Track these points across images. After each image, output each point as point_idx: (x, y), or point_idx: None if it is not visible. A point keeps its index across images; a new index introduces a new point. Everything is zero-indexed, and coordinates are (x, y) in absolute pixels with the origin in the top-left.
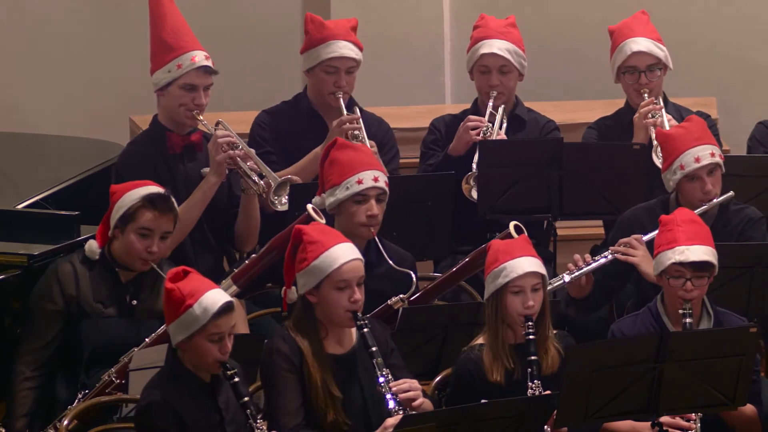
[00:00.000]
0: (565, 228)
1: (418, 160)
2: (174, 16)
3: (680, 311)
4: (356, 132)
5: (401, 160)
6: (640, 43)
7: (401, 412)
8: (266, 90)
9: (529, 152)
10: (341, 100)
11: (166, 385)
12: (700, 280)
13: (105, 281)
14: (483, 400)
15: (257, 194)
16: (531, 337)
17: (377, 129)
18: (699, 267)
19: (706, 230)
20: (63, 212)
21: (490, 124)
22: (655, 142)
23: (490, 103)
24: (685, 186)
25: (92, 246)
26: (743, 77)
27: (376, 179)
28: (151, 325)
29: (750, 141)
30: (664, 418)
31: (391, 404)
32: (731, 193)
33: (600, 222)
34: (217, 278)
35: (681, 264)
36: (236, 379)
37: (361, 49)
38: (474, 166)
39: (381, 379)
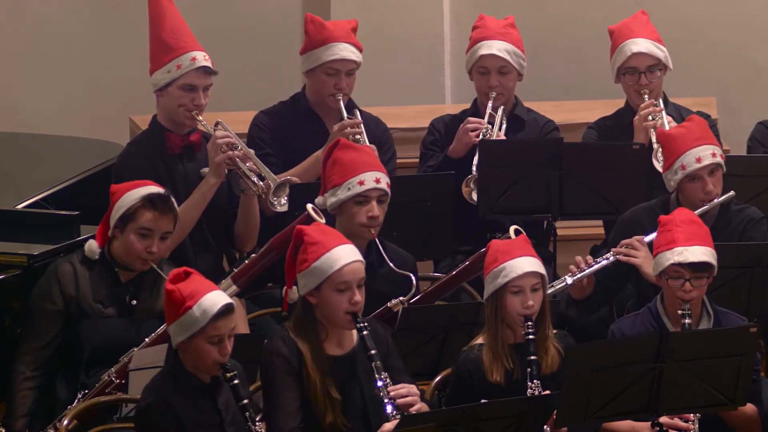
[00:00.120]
0: (565, 228)
1: (417, 160)
2: (173, 17)
3: (679, 311)
4: (357, 136)
5: (401, 160)
6: (640, 44)
7: (398, 417)
8: (266, 90)
9: (529, 152)
10: (341, 102)
11: (166, 386)
12: (699, 280)
13: (105, 281)
14: (483, 400)
15: (256, 195)
16: (531, 337)
17: (375, 129)
18: (698, 267)
19: (705, 230)
20: (63, 212)
21: (490, 126)
22: (655, 146)
23: (490, 104)
24: (687, 186)
25: (92, 246)
26: (743, 77)
27: (377, 180)
28: (150, 325)
29: (750, 141)
30: (664, 419)
31: (389, 409)
32: (732, 192)
33: (600, 222)
34: (217, 278)
35: (680, 265)
36: (236, 381)
37: (360, 50)
38: (474, 168)
39: (379, 383)
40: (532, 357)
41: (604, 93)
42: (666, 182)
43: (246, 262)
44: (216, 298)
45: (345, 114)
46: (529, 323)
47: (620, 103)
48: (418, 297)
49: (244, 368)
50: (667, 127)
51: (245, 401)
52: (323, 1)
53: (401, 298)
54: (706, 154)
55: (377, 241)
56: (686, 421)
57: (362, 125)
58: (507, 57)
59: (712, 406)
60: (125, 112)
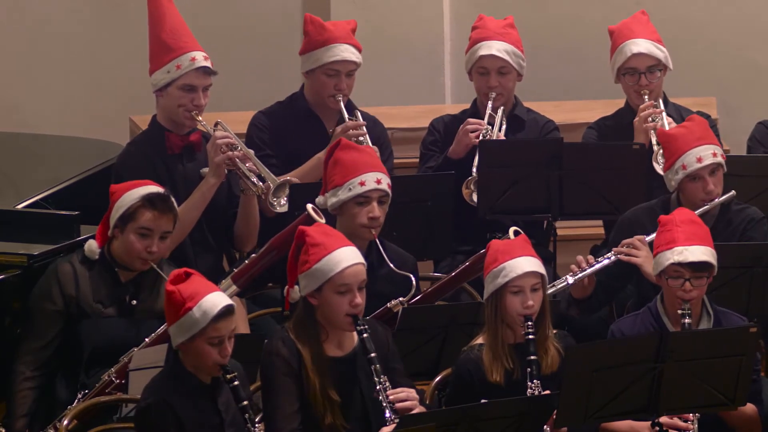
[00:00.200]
0: (565, 228)
1: (417, 160)
2: (173, 17)
3: (679, 311)
4: (360, 138)
5: (402, 160)
6: (640, 45)
7: (397, 421)
8: (266, 90)
9: (529, 152)
10: (341, 103)
11: (167, 386)
12: (699, 280)
13: (105, 281)
14: (483, 400)
15: (256, 195)
16: (531, 337)
17: (372, 129)
18: (698, 267)
19: (705, 230)
20: (63, 212)
21: (490, 126)
22: (655, 148)
23: (489, 105)
24: (687, 186)
25: (92, 246)
26: (743, 77)
27: (378, 181)
28: (150, 325)
29: (750, 141)
30: (663, 418)
31: (387, 413)
32: (733, 192)
33: (600, 222)
34: (217, 278)
35: (680, 264)
36: (236, 383)
37: (360, 51)
38: (474, 170)
39: (378, 386)
40: (532, 357)
41: (604, 93)
42: (667, 182)
43: (246, 262)
44: (216, 300)
45: (346, 115)
46: (529, 323)
47: (620, 103)
48: (418, 297)
49: (244, 368)
50: (667, 128)
51: (245, 402)
52: (323, 1)
53: (401, 299)
54: (707, 153)
55: (378, 242)
56: (685, 420)
57: (364, 128)
58: (506, 57)
59: (712, 406)
60: (125, 112)
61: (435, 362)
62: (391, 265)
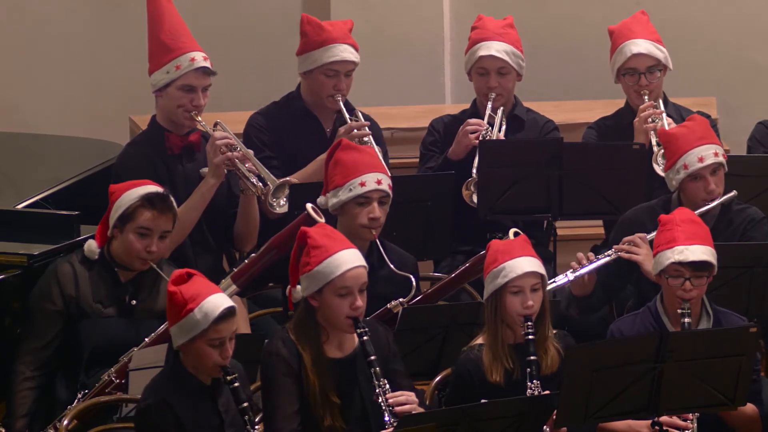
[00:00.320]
0: (565, 228)
1: (417, 160)
2: (172, 17)
3: (679, 311)
4: (365, 138)
5: (402, 160)
6: (640, 45)
7: (395, 424)
8: (265, 90)
9: (529, 152)
10: (341, 103)
11: (167, 387)
12: (699, 279)
13: (104, 281)
14: (483, 401)
15: (256, 196)
16: (530, 337)
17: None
18: (698, 267)
19: (705, 230)
20: (63, 212)
21: (490, 127)
22: (655, 149)
23: (489, 105)
24: (689, 185)
25: (91, 246)
26: (743, 77)
27: (379, 182)
28: (150, 324)
29: (750, 141)
30: (663, 418)
31: (386, 416)
32: (734, 192)
33: (600, 222)
34: (217, 279)
35: (680, 263)
36: (236, 384)
37: (357, 50)
38: (474, 171)
39: (377, 390)
40: (532, 357)
41: (604, 93)
42: (668, 182)
43: (245, 261)
44: (218, 301)
45: (347, 115)
46: (529, 323)
47: (620, 103)
48: (418, 298)
49: (244, 368)
50: (666, 128)
51: (245, 404)
52: (323, 1)
53: (401, 300)
54: (709, 153)
55: (378, 243)
56: (685, 420)
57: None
58: (506, 58)
59: (712, 406)
60: (125, 112)
61: (435, 362)
62: (392, 266)
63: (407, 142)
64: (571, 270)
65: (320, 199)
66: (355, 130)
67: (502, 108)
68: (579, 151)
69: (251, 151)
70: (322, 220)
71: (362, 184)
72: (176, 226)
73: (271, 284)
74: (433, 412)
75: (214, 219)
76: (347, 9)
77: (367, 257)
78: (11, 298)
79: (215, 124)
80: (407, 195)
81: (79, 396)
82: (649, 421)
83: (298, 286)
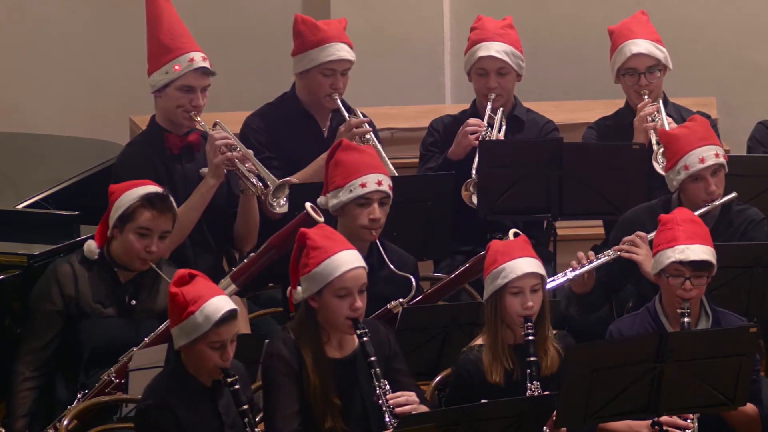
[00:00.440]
0: (565, 228)
1: (417, 160)
2: (171, 17)
3: (678, 311)
4: (367, 136)
5: (402, 160)
6: (640, 45)
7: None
8: (265, 90)
9: (529, 152)
10: (338, 101)
11: (167, 387)
12: (699, 279)
13: (104, 281)
14: (483, 401)
15: (256, 196)
16: (530, 337)
17: None
18: (699, 266)
19: (705, 230)
20: (63, 212)
21: (489, 128)
22: (654, 148)
23: (489, 106)
24: (689, 186)
25: (91, 246)
26: (743, 77)
27: (379, 183)
28: (150, 324)
29: (750, 141)
30: (663, 418)
31: (387, 417)
32: (734, 193)
33: (600, 222)
34: (216, 278)
35: (681, 263)
36: (236, 387)
37: (352, 48)
38: (474, 172)
39: (377, 391)
40: (532, 358)
41: (604, 93)
42: (668, 182)
43: (245, 261)
44: (219, 304)
45: (346, 114)
46: (529, 324)
47: (620, 103)
48: (418, 299)
49: (244, 368)
50: (667, 128)
51: (245, 407)
52: (323, 1)
53: (401, 300)
54: (710, 154)
55: (378, 243)
56: (685, 420)
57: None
58: (505, 58)
59: (712, 406)
60: (125, 112)
61: (435, 362)
62: (392, 267)
63: (407, 142)
64: (571, 269)
65: (320, 200)
66: (355, 128)
67: (501, 108)
68: (579, 151)
69: (251, 151)
70: (322, 220)
71: (363, 185)
72: (176, 227)
73: (271, 284)
74: (433, 412)
75: (214, 219)
76: (347, 9)
77: (367, 258)
78: (11, 298)
79: (214, 124)
80: (407, 195)
81: (79, 396)
82: (649, 422)
83: (299, 288)
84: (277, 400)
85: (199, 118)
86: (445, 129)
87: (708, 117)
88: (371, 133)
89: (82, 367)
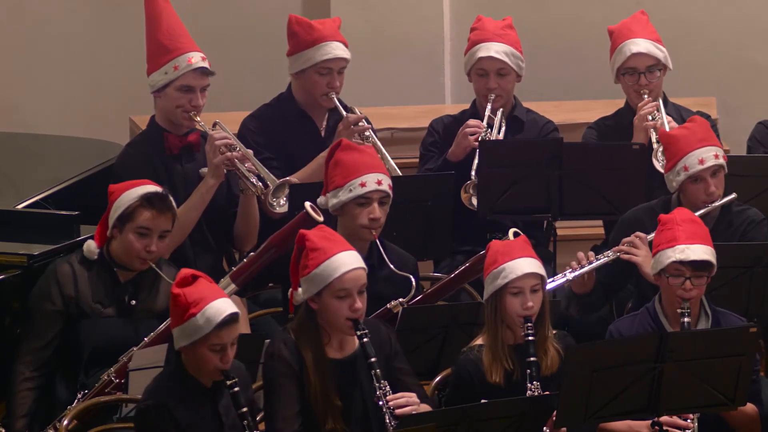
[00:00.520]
0: (565, 228)
1: (417, 160)
2: (169, 17)
3: (678, 311)
4: (366, 133)
5: (402, 161)
6: (640, 44)
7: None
8: (265, 90)
9: (529, 152)
10: (336, 100)
11: (167, 388)
12: (699, 279)
13: (104, 281)
14: (483, 401)
15: (255, 195)
16: (530, 338)
17: None
18: (699, 266)
19: (705, 230)
20: (63, 212)
21: (489, 129)
22: (654, 146)
23: (489, 106)
24: (689, 187)
25: (90, 246)
26: (743, 77)
27: (379, 182)
28: (149, 324)
29: (750, 141)
30: (663, 418)
31: (387, 419)
32: (734, 194)
33: (600, 222)
34: (216, 278)
35: (681, 263)
36: (236, 389)
37: (347, 47)
38: (473, 174)
39: (378, 392)
40: (532, 358)
41: (604, 93)
42: (668, 183)
43: (244, 260)
44: (221, 307)
45: (343, 111)
46: (529, 324)
47: (620, 103)
48: (418, 298)
49: (245, 368)
50: (666, 126)
51: (244, 409)
52: (323, 1)
53: (401, 300)
54: (709, 155)
55: (378, 243)
56: (685, 420)
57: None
58: (505, 59)
59: (712, 406)
60: (125, 112)
61: (435, 362)
62: (392, 267)
63: (407, 142)
64: (570, 270)
65: (320, 200)
66: (354, 125)
67: (501, 109)
68: (579, 151)
69: (251, 151)
70: (321, 220)
71: (362, 185)
72: (176, 227)
73: (271, 284)
74: (433, 412)
75: (214, 219)
76: (347, 9)
77: (367, 257)
78: (11, 298)
79: (214, 124)
80: (407, 195)
81: (79, 396)
82: (649, 422)
83: (299, 289)
84: (278, 402)
85: (198, 118)
86: (445, 129)
87: (708, 117)
88: (370, 129)
89: (82, 367)
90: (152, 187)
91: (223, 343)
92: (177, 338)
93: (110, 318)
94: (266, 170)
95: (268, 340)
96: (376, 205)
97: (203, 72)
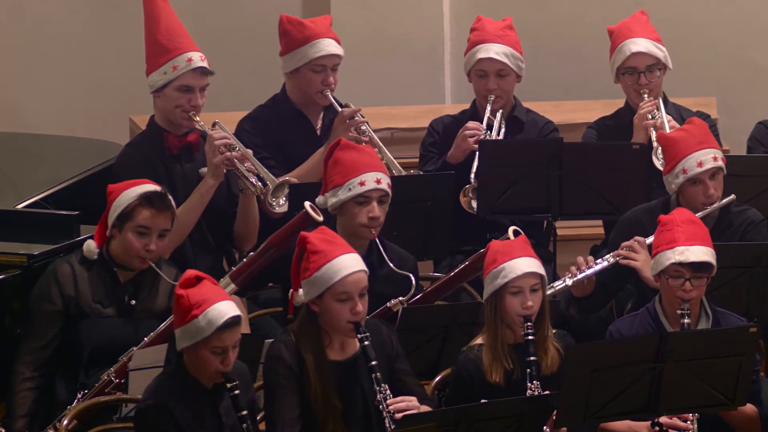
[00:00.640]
0: (565, 228)
1: (417, 160)
2: (168, 17)
3: (678, 311)
4: (363, 127)
5: (402, 160)
6: (640, 44)
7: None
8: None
9: (529, 152)
10: (331, 97)
11: (167, 388)
12: (699, 280)
13: (103, 281)
14: (482, 401)
15: (255, 195)
16: (530, 337)
17: None
18: (699, 267)
19: (704, 231)
20: (63, 212)
21: (488, 131)
22: (655, 144)
23: (488, 107)
24: (688, 189)
25: (90, 246)
26: (743, 77)
27: (378, 181)
28: (149, 324)
29: (750, 141)
30: (663, 418)
31: (387, 422)
32: (732, 196)
33: (600, 222)
34: (216, 278)
35: (680, 264)
36: (236, 392)
37: (340, 44)
38: (472, 177)
39: (378, 396)
40: (532, 358)
41: (604, 93)
42: (667, 185)
43: (244, 260)
44: (223, 309)
45: (338, 108)
46: (529, 324)
47: (620, 103)
48: (417, 297)
49: (246, 368)
50: (666, 126)
51: (244, 412)
52: (323, 1)
53: (401, 298)
54: (708, 158)
55: (378, 242)
56: (685, 421)
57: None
58: (505, 60)
59: (712, 406)
60: (125, 112)
61: (435, 362)
62: (391, 265)
63: (407, 142)
64: (570, 275)
65: (319, 199)
66: (349, 120)
67: (501, 111)
68: (579, 151)
69: (250, 151)
70: (321, 219)
71: (361, 184)
72: (175, 227)
73: (270, 284)
74: (433, 412)
75: (214, 219)
76: (347, 9)
77: (366, 256)
78: (11, 298)
79: (213, 124)
80: (407, 195)
81: (79, 396)
82: (649, 422)
83: (300, 291)
84: (279, 404)
85: (198, 118)
86: (445, 129)
87: (708, 117)
88: (367, 123)
89: (82, 367)
90: (151, 186)
91: (225, 345)
92: (179, 339)
93: (110, 318)
94: (266, 170)
95: (268, 341)
96: (375, 203)
97: (202, 72)
